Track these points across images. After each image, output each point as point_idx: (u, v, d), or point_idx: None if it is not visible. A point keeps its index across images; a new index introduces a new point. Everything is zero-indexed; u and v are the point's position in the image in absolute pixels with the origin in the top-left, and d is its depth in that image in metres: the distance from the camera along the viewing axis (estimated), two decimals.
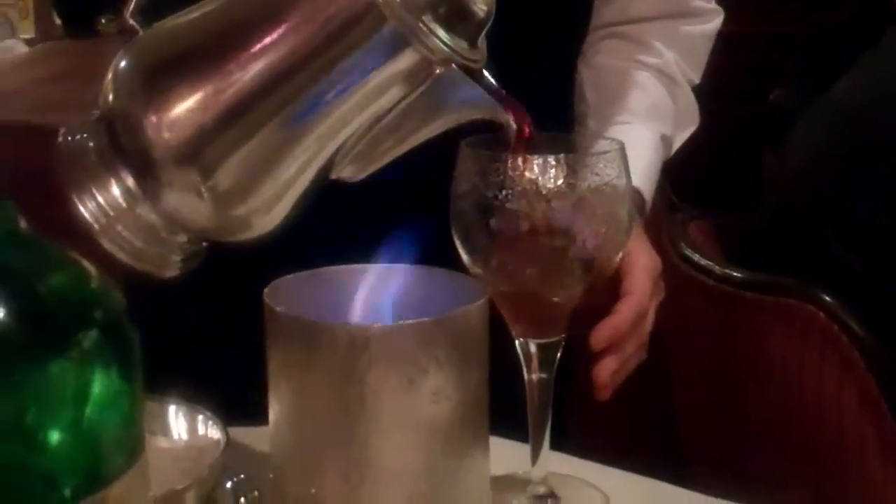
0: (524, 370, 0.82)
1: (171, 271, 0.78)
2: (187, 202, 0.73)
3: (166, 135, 0.71)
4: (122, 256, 0.75)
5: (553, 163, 0.76)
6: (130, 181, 0.74)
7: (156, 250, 0.76)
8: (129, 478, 0.39)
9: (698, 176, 1.89)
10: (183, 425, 0.81)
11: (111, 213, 0.74)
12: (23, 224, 0.38)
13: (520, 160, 0.75)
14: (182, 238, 0.77)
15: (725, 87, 1.96)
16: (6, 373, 0.36)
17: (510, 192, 0.76)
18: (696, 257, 1.49)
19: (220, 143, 0.71)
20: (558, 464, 0.86)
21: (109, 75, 0.75)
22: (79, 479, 0.37)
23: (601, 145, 0.81)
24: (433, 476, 0.65)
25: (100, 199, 0.73)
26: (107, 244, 0.74)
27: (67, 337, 0.37)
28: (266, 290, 0.67)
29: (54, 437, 0.36)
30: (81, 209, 0.73)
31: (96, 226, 0.74)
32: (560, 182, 0.76)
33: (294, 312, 0.65)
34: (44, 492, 0.36)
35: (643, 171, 1.11)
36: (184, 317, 1.06)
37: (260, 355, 0.68)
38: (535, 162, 0.76)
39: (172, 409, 0.80)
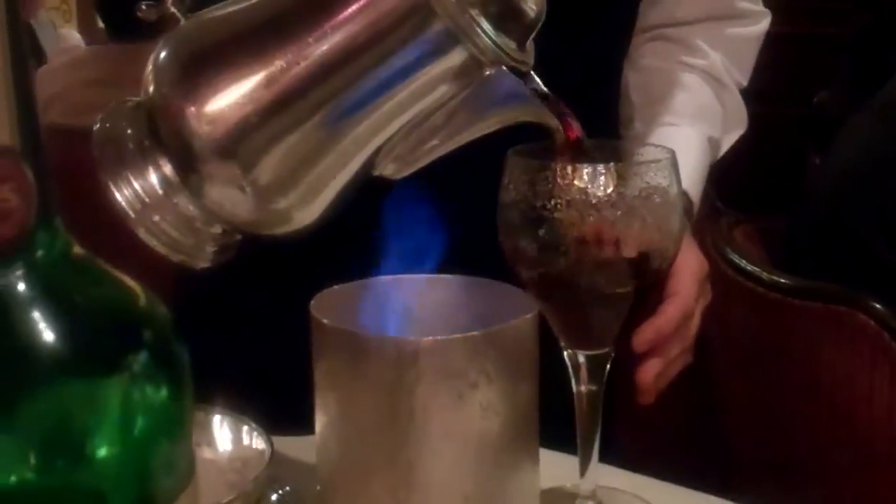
0: (573, 382, 0.81)
1: (204, 262, 0.76)
2: (227, 195, 0.71)
3: (207, 127, 0.70)
4: (155, 245, 0.73)
5: (602, 171, 0.74)
6: (169, 170, 0.72)
7: (191, 241, 0.74)
8: (184, 497, 0.39)
9: (742, 180, 1.87)
10: (228, 436, 0.80)
11: (147, 201, 0.72)
12: (74, 245, 0.37)
13: (569, 168, 0.74)
14: (217, 229, 0.75)
15: (768, 89, 1.94)
16: (57, 394, 0.35)
17: (559, 201, 0.75)
18: (742, 262, 1.47)
19: (262, 137, 0.70)
20: (607, 476, 0.85)
21: (150, 65, 0.74)
22: (130, 502, 0.37)
23: (652, 153, 0.79)
24: (482, 491, 0.63)
25: (136, 186, 0.72)
26: (141, 233, 0.73)
27: (118, 359, 0.36)
28: (312, 302, 0.66)
29: (105, 459, 0.36)
30: (117, 195, 0.72)
31: (131, 213, 0.72)
32: (610, 190, 0.74)
33: (341, 325, 0.64)
34: None
35: (689, 173, 1.10)
36: (228, 327, 1.05)
37: (304, 365, 0.67)
38: (585, 170, 0.74)
39: (217, 419, 0.79)
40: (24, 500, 0.35)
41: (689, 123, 1.15)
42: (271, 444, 0.78)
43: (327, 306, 0.66)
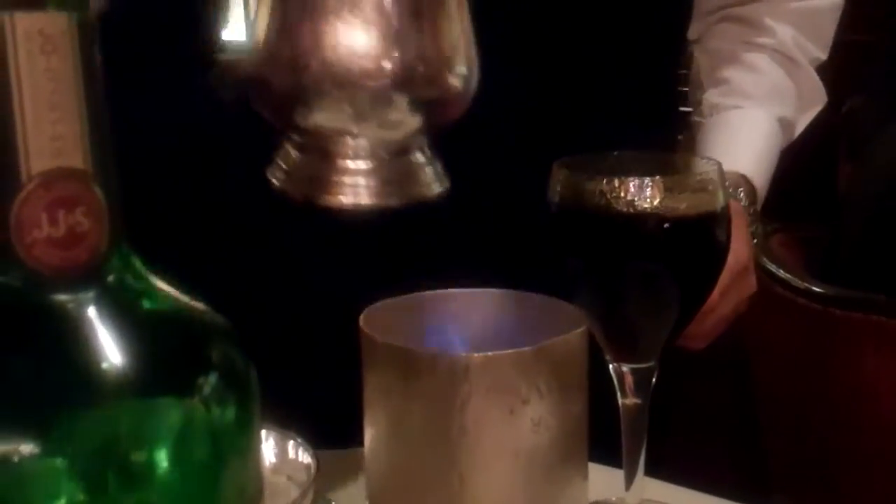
0: (618, 395, 0.81)
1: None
2: None
3: None
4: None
5: (649, 184, 0.74)
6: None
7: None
8: None
9: (773, 186, 1.86)
10: (273, 450, 0.80)
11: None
12: (143, 267, 0.37)
13: (616, 181, 0.74)
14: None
15: None
16: (127, 416, 0.35)
17: (605, 214, 0.74)
18: (780, 272, 1.46)
19: None
20: (652, 490, 0.84)
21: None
22: None
23: (699, 165, 0.79)
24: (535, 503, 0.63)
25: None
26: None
27: (187, 381, 0.36)
28: (362, 317, 0.66)
29: (174, 481, 0.36)
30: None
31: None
32: (657, 203, 0.74)
33: (392, 340, 0.64)
34: None
35: (754, 157, 1.11)
36: (273, 342, 1.05)
37: (349, 380, 0.67)
38: (632, 183, 0.74)
39: (262, 434, 0.79)
40: None
41: (757, 105, 1.14)
42: (317, 458, 0.77)
43: (376, 321, 0.66)
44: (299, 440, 0.80)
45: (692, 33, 1.22)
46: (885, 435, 1.27)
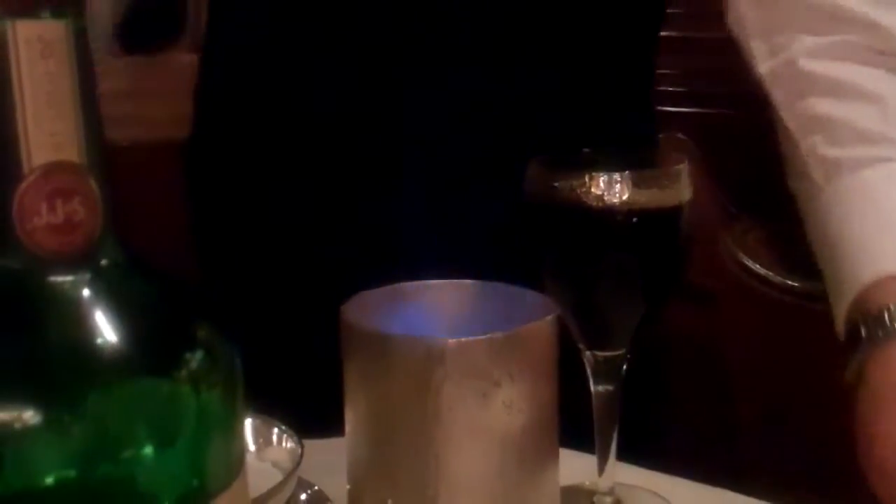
0: (590, 382, 0.84)
1: None
2: None
3: None
4: None
5: (618, 179, 0.77)
6: None
7: None
8: (230, 494, 0.41)
9: (753, 184, 1.89)
10: (258, 438, 0.83)
11: None
12: (131, 253, 0.40)
13: (586, 177, 0.77)
14: None
15: None
16: (117, 393, 0.38)
17: (577, 208, 0.78)
18: (756, 267, 1.49)
19: None
20: (624, 475, 0.88)
21: None
22: (183, 497, 0.40)
23: (665, 161, 0.82)
24: (507, 486, 0.66)
25: None
26: None
27: (174, 358, 0.39)
28: (343, 306, 0.69)
29: (161, 455, 0.39)
30: None
31: None
32: (626, 198, 0.77)
33: (371, 327, 0.67)
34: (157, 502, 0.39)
35: None
36: (258, 332, 1.08)
37: (333, 368, 0.70)
38: (601, 178, 0.77)
39: (248, 422, 0.82)
40: (80, 497, 0.38)
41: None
42: (302, 445, 0.81)
43: (356, 311, 0.69)
44: (284, 427, 0.83)
45: (761, 67, 0.96)
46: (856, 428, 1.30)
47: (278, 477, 0.77)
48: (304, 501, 0.82)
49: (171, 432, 0.39)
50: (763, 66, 0.95)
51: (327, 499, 0.83)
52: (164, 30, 2.76)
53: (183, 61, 2.83)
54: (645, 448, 0.92)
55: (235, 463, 0.42)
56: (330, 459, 0.80)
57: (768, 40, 0.94)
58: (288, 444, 0.81)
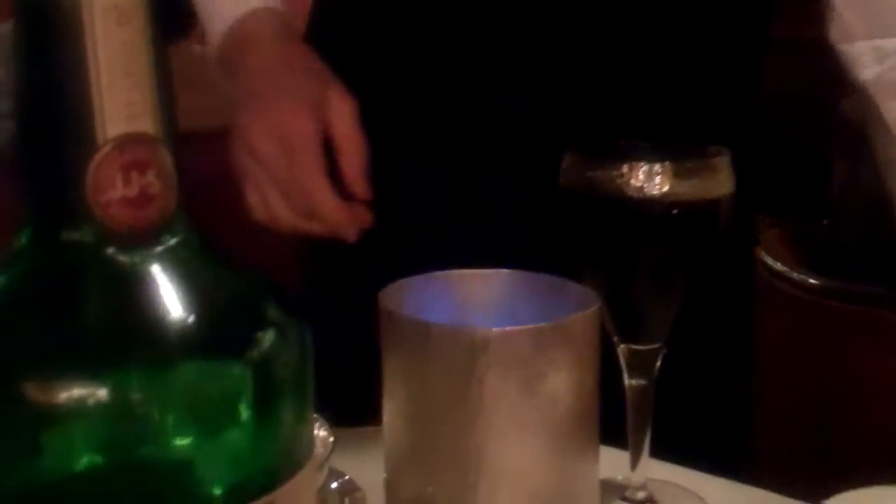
0: (625, 376, 0.83)
1: None
2: None
3: None
4: None
5: (659, 170, 0.76)
6: None
7: None
8: (302, 475, 0.41)
9: (769, 184, 1.88)
10: None
11: None
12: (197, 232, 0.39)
13: (625, 167, 0.76)
14: None
15: (795, 93, 1.95)
16: (190, 371, 0.37)
17: (615, 199, 0.77)
18: (777, 265, 1.49)
19: None
20: (657, 470, 0.87)
21: None
22: (264, 472, 0.39)
23: (707, 152, 0.81)
24: (547, 476, 0.65)
25: None
26: None
27: (247, 336, 0.38)
28: (381, 294, 0.68)
29: (233, 435, 0.38)
30: None
31: None
32: (665, 189, 0.77)
33: (413, 315, 0.66)
34: (220, 491, 0.38)
35: None
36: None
37: (366, 356, 0.69)
38: (642, 169, 0.76)
39: None
40: (155, 475, 0.37)
41: None
42: (333, 434, 0.80)
43: (394, 298, 0.68)
44: (316, 416, 0.82)
45: (866, 73, 0.98)
46: (881, 426, 1.30)
47: (314, 470, 0.76)
48: (334, 490, 0.82)
49: (240, 414, 0.38)
50: (868, 71, 0.96)
51: (358, 488, 0.82)
52: (175, 24, 2.77)
53: (194, 52, 2.83)
54: (675, 444, 0.91)
55: (307, 445, 0.42)
56: (361, 449, 0.80)
57: (876, 45, 0.95)
58: (319, 432, 0.80)
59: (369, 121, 0.97)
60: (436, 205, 1.05)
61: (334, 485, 0.82)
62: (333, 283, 1.09)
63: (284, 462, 0.40)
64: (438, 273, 0.72)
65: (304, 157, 0.94)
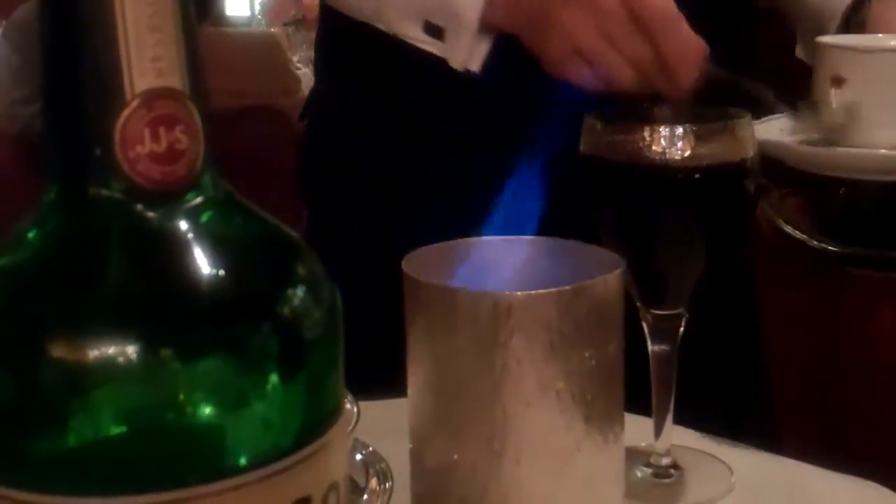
0: (648, 342, 0.83)
1: None
2: None
3: None
4: None
5: (681, 133, 0.76)
6: None
7: None
8: (336, 428, 0.41)
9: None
10: None
11: None
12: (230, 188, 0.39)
13: (647, 131, 0.76)
14: None
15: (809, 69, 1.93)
16: (221, 329, 0.37)
17: (637, 163, 0.76)
18: (796, 233, 1.47)
19: None
20: (680, 437, 0.87)
21: None
22: (295, 431, 0.39)
23: (729, 114, 0.80)
24: (573, 441, 0.65)
25: None
26: None
27: (277, 292, 0.38)
28: (404, 262, 0.68)
29: (262, 395, 0.37)
30: None
31: None
32: (688, 153, 0.76)
33: (436, 281, 0.66)
34: (261, 440, 0.37)
35: None
36: None
37: (389, 326, 0.69)
38: (663, 133, 0.76)
39: None
40: (185, 438, 0.37)
41: None
42: (357, 405, 0.79)
43: (418, 266, 0.68)
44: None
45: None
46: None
47: (345, 429, 0.76)
48: (359, 462, 0.81)
49: (270, 374, 0.38)
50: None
51: (382, 459, 0.82)
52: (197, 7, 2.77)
53: (207, 35, 2.84)
54: (699, 411, 0.91)
55: (339, 399, 0.41)
56: (386, 420, 0.80)
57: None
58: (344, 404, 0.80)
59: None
60: (455, 177, 1.05)
61: (359, 456, 0.82)
62: (353, 255, 1.09)
63: (316, 423, 0.39)
64: (461, 240, 0.72)
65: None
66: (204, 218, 0.37)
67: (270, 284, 0.38)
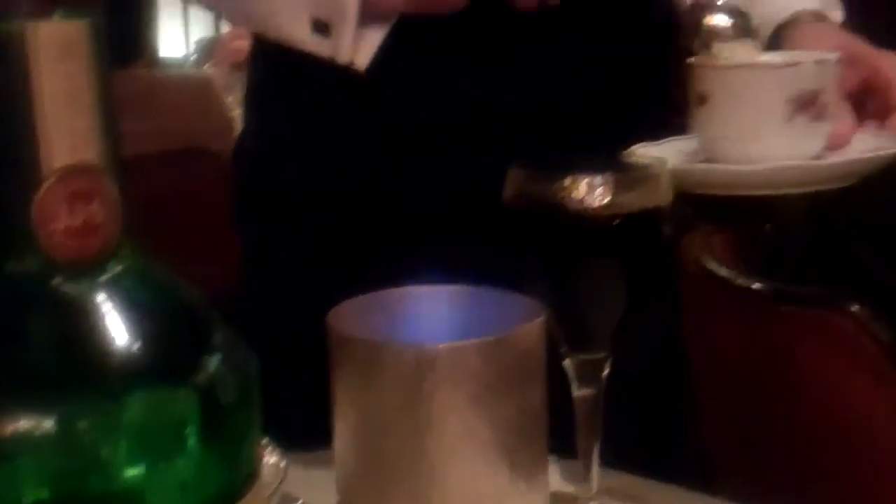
0: (573, 387, 0.84)
1: None
2: None
3: None
4: None
5: (600, 182, 0.77)
6: None
7: None
8: (254, 491, 0.41)
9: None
10: None
11: None
12: (149, 257, 0.40)
13: (568, 180, 0.77)
14: None
15: None
16: (136, 398, 0.37)
17: (558, 212, 0.78)
18: (721, 270, 1.50)
19: None
20: (608, 480, 0.87)
21: None
22: (212, 494, 0.39)
23: (646, 163, 0.82)
24: (499, 491, 0.66)
25: None
26: None
27: (192, 363, 0.39)
28: (329, 315, 0.68)
29: (180, 461, 0.38)
30: None
31: None
32: (607, 202, 0.78)
33: (360, 334, 0.66)
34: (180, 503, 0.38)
35: None
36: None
37: (317, 381, 0.70)
38: (582, 182, 0.77)
39: None
40: (115, 500, 0.37)
41: None
42: (286, 458, 0.80)
43: (343, 319, 0.68)
44: (268, 440, 0.82)
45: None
46: (822, 425, 1.31)
47: (262, 492, 0.77)
48: None
49: (187, 440, 0.38)
50: None
51: None
52: (123, 50, 2.76)
53: (140, 77, 2.83)
54: (625, 453, 0.92)
55: (252, 468, 0.42)
56: (314, 472, 0.80)
57: None
58: (272, 458, 0.80)
59: None
60: (387, 222, 1.07)
61: None
62: (281, 307, 1.10)
63: (232, 486, 0.40)
64: (384, 291, 0.73)
65: None
66: (121, 288, 0.38)
67: (186, 352, 0.39)
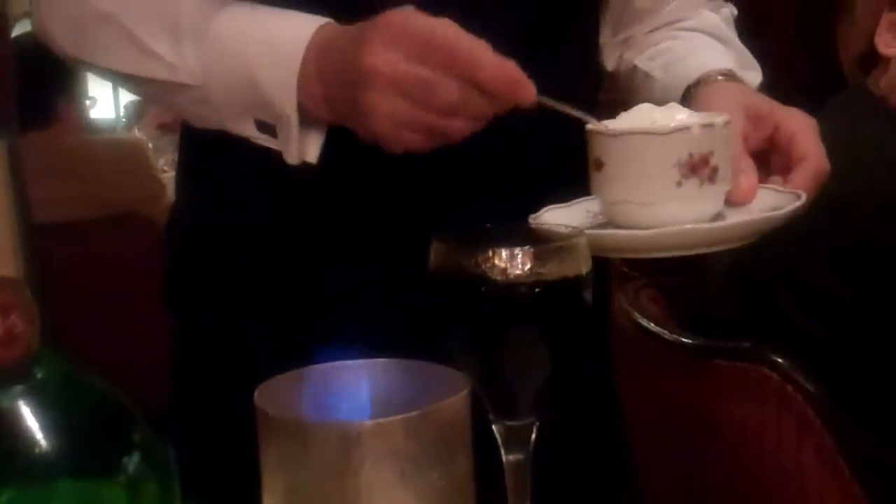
0: (502, 452, 0.85)
1: None
2: None
3: None
4: None
5: (520, 253, 0.79)
6: None
7: None
8: None
9: None
10: None
11: None
12: (71, 361, 0.41)
13: (490, 252, 0.79)
14: None
15: None
16: (60, 499, 0.38)
17: (480, 282, 0.80)
18: (651, 325, 1.52)
19: None
20: None
21: None
22: None
23: (564, 235, 0.84)
24: None
25: None
26: None
27: (113, 462, 0.40)
28: (256, 393, 0.69)
29: None
30: None
31: None
32: (527, 271, 0.79)
33: (286, 413, 0.68)
34: None
35: (719, 52, 1.19)
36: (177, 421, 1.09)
37: (247, 456, 0.71)
38: (503, 254, 0.79)
39: None
40: None
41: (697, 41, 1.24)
42: None
43: (270, 396, 0.69)
44: None
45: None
46: (754, 475, 1.34)
47: None
48: None
49: None
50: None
51: None
52: (41, 113, 2.75)
53: (61, 143, 2.82)
54: None
55: None
56: None
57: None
58: None
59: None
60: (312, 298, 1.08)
61: None
62: (211, 383, 1.10)
63: None
64: (311, 367, 0.74)
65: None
66: (42, 395, 0.39)
67: (104, 454, 0.40)
